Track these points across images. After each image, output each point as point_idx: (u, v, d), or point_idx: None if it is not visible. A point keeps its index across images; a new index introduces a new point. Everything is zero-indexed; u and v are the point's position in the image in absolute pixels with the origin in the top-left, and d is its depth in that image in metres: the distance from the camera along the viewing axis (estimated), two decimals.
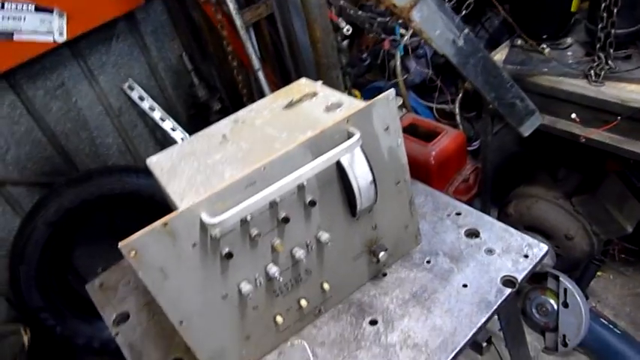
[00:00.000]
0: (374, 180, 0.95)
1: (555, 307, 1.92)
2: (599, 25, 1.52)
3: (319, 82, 1.10)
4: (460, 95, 2.55)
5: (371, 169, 0.94)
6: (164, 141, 2.49)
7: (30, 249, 2.07)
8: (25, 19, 1.87)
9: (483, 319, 1.00)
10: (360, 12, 2.12)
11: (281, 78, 2.40)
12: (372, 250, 1.07)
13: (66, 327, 2.20)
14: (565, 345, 1.92)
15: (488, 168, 2.18)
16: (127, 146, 2.44)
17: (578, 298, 1.84)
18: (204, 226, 0.82)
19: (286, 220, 0.90)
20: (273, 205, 0.88)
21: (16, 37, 1.87)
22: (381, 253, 1.06)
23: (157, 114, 2.31)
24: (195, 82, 2.38)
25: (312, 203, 0.92)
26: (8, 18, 1.83)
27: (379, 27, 2.18)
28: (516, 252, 1.11)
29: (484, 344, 1.18)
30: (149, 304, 1.20)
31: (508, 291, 1.04)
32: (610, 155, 1.70)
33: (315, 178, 0.91)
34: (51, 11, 1.90)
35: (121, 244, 0.77)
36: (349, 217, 1.00)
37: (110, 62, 2.25)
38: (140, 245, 0.78)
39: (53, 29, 1.92)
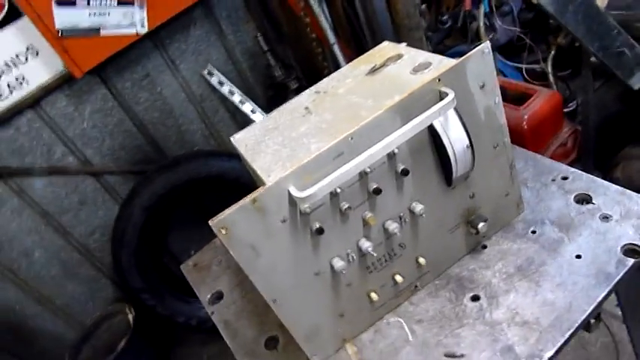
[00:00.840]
0: (470, 144, 0.87)
1: None
2: None
3: (403, 44, 1.02)
4: (552, 52, 2.33)
5: (467, 132, 0.86)
6: (245, 124, 2.52)
7: (128, 234, 2.19)
8: (109, 14, 1.94)
9: (603, 294, 0.89)
10: None
11: (356, 51, 2.33)
12: (469, 220, 0.99)
13: (165, 306, 2.33)
14: None
15: (589, 129, 1.98)
16: (210, 131, 2.50)
17: None
18: (293, 201, 0.79)
19: (377, 191, 0.84)
20: (362, 176, 0.83)
21: (102, 33, 1.96)
22: (480, 224, 0.98)
23: (237, 97, 2.34)
24: (272, 63, 2.38)
25: (405, 172, 0.85)
26: (94, 14, 1.91)
27: None
28: (638, 217, 0.97)
29: (592, 320, 1.06)
30: (241, 282, 1.21)
31: (631, 261, 0.92)
32: None
33: (406, 145, 0.84)
34: (132, 4, 1.96)
35: (211, 222, 0.76)
36: (444, 186, 0.93)
37: (189, 50, 2.29)
38: (230, 222, 0.77)
39: (135, 21, 1.99)
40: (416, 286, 1.01)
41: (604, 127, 2.39)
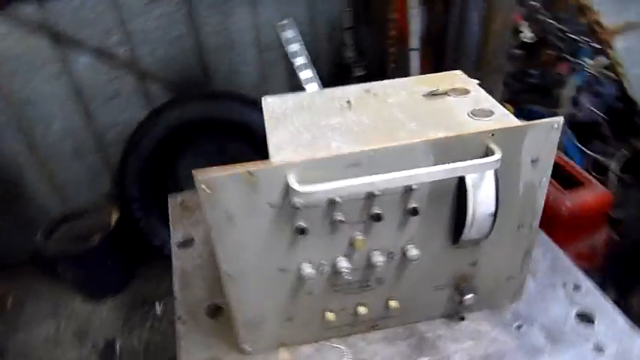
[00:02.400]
0: (495, 214, 0.79)
1: None
2: None
3: (475, 81, 0.93)
4: (626, 153, 2.18)
5: (497, 200, 0.78)
6: (295, 89, 2.46)
7: (144, 143, 2.18)
8: None
9: None
10: (551, 21, 1.85)
11: (434, 66, 2.23)
12: (459, 287, 0.91)
13: (148, 224, 2.32)
14: None
15: (626, 247, 1.85)
16: (260, 81, 2.44)
17: None
18: (288, 191, 0.72)
19: (378, 218, 0.77)
20: (370, 197, 0.76)
21: None
22: (468, 295, 0.90)
23: (300, 60, 2.27)
24: (347, 42, 2.29)
25: (414, 212, 0.78)
26: None
27: (565, 45, 1.89)
28: None
29: None
30: None
31: None
32: None
33: (427, 186, 0.77)
34: None
35: (197, 175, 0.70)
36: (449, 242, 0.85)
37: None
38: (218, 185, 0.71)
39: None
40: (376, 325, 0.94)
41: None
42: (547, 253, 1.08)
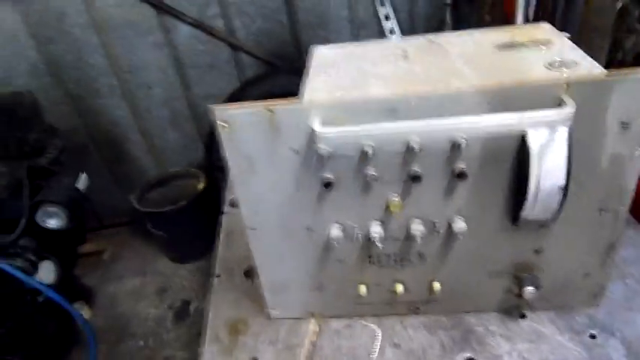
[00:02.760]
0: (566, 188, 0.64)
1: None
2: None
3: (564, 34, 0.77)
4: None
5: (568, 171, 0.63)
6: None
7: None
8: None
9: None
10: None
11: None
12: (518, 276, 0.77)
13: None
14: None
15: None
16: None
17: None
18: (313, 136, 0.65)
19: (417, 178, 0.66)
20: (408, 152, 0.65)
21: None
22: (528, 288, 0.75)
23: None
24: (447, 20, 2.13)
25: (461, 175, 0.66)
26: None
27: None
28: None
29: None
30: None
31: None
32: None
33: (479, 144, 0.64)
34: None
35: (215, 110, 0.65)
36: (506, 220, 0.71)
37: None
38: (237, 122, 0.65)
39: None
40: (417, 309, 0.83)
41: None
42: None
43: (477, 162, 0.65)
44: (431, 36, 0.85)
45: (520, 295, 0.76)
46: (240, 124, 0.65)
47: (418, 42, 0.83)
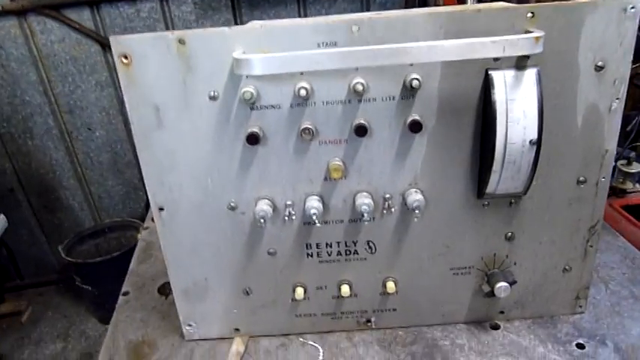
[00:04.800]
0: (538, 145, 0.53)
1: None
2: None
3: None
4: None
5: (540, 123, 0.52)
6: None
7: None
8: None
9: None
10: None
11: None
12: (488, 272, 0.64)
13: None
14: None
15: None
16: None
17: None
18: (234, 77, 0.52)
19: (362, 130, 0.54)
20: (350, 98, 0.54)
21: None
22: (501, 284, 0.61)
23: None
24: None
25: (416, 126, 0.54)
26: None
27: None
28: None
29: None
30: None
31: None
32: None
33: (435, 85, 0.53)
34: None
35: (112, 40, 0.52)
36: (471, 194, 0.59)
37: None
38: (137, 53, 0.52)
39: None
40: (368, 321, 0.67)
41: None
42: (626, 259, 0.77)
43: (434, 112, 0.54)
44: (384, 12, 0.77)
45: (492, 294, 0.62)
46: (144, 58, 0.52)
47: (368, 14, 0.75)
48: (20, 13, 1.92)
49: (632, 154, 1.43)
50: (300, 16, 2.14)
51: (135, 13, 2.06)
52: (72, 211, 2.37)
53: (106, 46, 2.05)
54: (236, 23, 2.11)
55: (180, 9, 2.08)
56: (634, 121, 1.66)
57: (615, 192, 1.35)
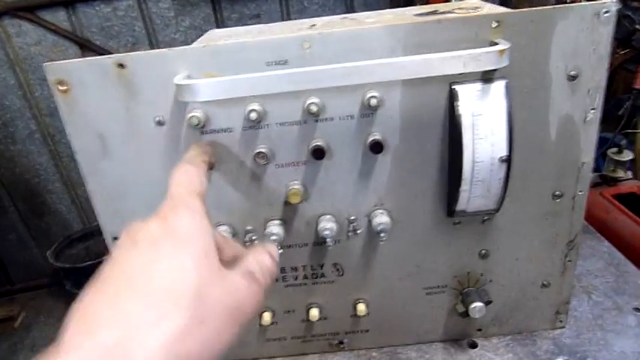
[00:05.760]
0: (509, 161, 0.49)
1: None
2: None
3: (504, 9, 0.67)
4: None
5: (510, 138, 0.49)
6: None
7: None
8: None
9: None
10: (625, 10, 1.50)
11: None
12: (462, 291, 0.61)
13: None
14: None
15: None
16: None
17: None
18: (180, 101, 0.49)
19: (319, 153, 0.51)
20: (306, 119, 0.50)
21: None
22: (476, 304, 0.59)
23: None
24: None
25: (377, 147, 0.50)
26: None
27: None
28: None
29: None
30: None
31: None
32: None
33: (398, 108, 0.50)
34: None
35: (47, 67, 0.48)
36: (442, 213, 0.56)
37: (311, 11, 2.09)
38: (75, 80, 0.48)
39: None
40: (340, 343, 0.65)
41: None
42: (610, 266, 0.74)
43: (397, 129, 0.51)
44: (347, 15, 0.73)
45: (467, 314, 0.60)
46: (82, 85, 0.49)
47: (332, 19, 0.71)
48: None
49: (624, 142, 1.40)
50: (281, 10, 2.08)
51: (112, 11, 2.01)
52: (59, 214, 2.33)
53: (84, 47, 2.00)
54: (216, 18, 2.06)
55: (158, 5, 2.02)
56: (625, 105, 1.62)
57: (606, 181, 1.32)
